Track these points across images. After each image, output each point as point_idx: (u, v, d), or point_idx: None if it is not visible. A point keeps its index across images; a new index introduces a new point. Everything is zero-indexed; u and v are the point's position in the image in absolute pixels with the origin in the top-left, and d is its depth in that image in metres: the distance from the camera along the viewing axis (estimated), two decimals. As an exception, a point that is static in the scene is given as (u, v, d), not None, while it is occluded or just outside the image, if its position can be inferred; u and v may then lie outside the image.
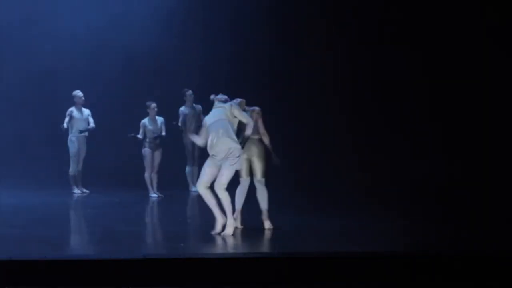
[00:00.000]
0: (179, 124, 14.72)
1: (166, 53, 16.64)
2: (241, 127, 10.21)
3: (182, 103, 14.84)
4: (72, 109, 14.47)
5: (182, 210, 13.50)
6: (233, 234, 9.94)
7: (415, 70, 15.94)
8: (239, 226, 10.48)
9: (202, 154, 14.63)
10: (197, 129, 14.69)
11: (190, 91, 14.88)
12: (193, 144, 14.71)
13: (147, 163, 14.08)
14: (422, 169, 15.42)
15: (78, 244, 9.62)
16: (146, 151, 14.11)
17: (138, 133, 14.03)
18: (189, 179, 14.92)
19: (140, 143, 14.08)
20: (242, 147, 10.07)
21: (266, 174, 10.52)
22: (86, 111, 14.60)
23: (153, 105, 14.19)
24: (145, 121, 14.13)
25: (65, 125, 14.32)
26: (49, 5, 16.25)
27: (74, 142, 14.42)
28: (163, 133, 14.22)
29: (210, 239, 9.93)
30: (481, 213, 12.32)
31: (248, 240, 9.92)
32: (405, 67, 15.91)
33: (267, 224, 10.51)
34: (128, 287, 8.00)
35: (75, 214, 12.63)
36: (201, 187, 10.08)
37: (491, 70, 15.47)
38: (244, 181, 10.51)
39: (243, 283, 8.20)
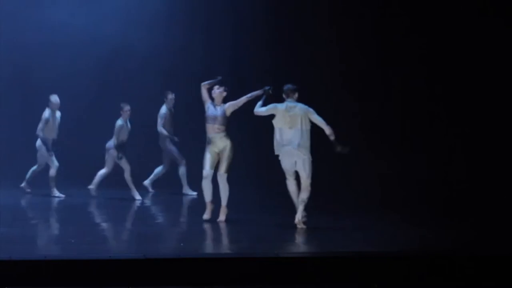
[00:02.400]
0: (161, 127, 14.48)
1: (166, 51, 16.58)
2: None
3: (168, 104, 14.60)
4: (49, 114, 13.99)
5: (180, 210, 13.51)
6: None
7: (418, 69, 15.93)
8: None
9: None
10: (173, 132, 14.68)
11: (173, 95, 14.59)
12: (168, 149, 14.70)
13: (124, 165, 13.88)
14: (423, 169, 15.41)
15: (78, 244, 9.60)
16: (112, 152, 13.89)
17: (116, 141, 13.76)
18: (183, 181, 14.65)
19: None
20: None
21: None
22: (58, 114, 14.18)
23: (127, 107, 13.89)
24: (122, 123, 13.80)
25: (41, 134, 13.89)
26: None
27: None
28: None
29: (210, 239, 9.94)
30: (482, 214, 12.32)
31: (249, 240, 9.92)
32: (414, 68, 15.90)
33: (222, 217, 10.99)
34: (128, 287, 8.00)
35: (75, 214, 12.61)
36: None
37: (495, 71, 15.46)
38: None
39: (243, 283, 8.20)
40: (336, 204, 13.24)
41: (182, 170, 14.64)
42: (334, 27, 16.02)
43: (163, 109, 14.66)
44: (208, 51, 16.34)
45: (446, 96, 15.88)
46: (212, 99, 11.08)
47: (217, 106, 11.01)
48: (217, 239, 10.04)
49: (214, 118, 10.96)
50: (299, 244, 9.99)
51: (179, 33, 16.46)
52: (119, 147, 13.78)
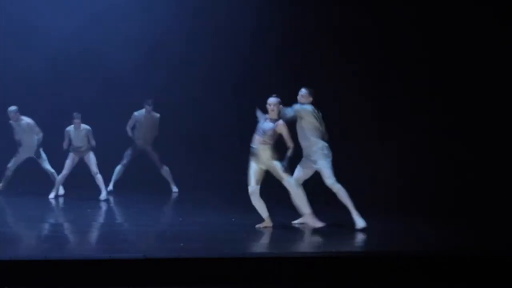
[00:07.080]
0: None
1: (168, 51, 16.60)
2: None
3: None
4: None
5: (176, 210, 13.51)
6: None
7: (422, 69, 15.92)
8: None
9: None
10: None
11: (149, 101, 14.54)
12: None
13: (66, 164, 13.95)
14: (424, 169, 15.40)
15: (78, 244, 9.61)
16: (70, 155, 13.97)
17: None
18: (115, 177, 14.73)
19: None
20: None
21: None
22: None
23: (76, 118, 13.86)
24: (70, 129, 13.90)
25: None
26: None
27: None
28: (93, 142, 13.89)
29: (210, 239, 9.94)
30: (482, 213, 12.32)
31: (248, 240, 9.93)
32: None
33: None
34: (128, 287, 8.00)
35: (75, 214, 12.62)
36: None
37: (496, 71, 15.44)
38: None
39: (243, 283, 8.20)
40: (336, 204, 13.23)
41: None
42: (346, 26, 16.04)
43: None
44: (213, 54, 16.39)
45: (448, 96, 15.87)
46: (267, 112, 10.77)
47: (270, 120, 10.69)
48: (217, 239, 10.03)
49: (263, 131, 10.68)
50: (299, 244, 9.99)
51: (180, 32, 16.50)
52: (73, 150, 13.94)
